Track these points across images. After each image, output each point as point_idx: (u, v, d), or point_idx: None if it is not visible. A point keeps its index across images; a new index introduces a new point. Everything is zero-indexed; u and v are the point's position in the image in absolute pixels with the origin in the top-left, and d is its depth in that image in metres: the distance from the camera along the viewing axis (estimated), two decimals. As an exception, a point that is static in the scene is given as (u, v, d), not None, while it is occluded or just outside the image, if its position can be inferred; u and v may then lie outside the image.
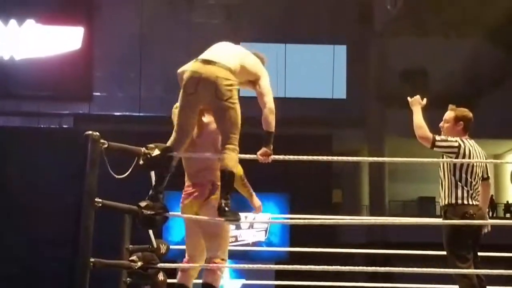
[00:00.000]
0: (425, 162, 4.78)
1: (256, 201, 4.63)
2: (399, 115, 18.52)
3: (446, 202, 4.93)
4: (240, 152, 4.24)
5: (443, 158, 4.98)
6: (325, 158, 4.62)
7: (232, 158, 4.13)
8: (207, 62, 4.17)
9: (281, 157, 4.35)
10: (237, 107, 4.20)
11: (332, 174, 18.89)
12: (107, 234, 6.04)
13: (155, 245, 4.66)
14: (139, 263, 4.30)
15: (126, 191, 5.96)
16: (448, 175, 4.93)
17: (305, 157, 4.37)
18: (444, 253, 4.96)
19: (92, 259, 3.72)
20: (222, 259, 4.32)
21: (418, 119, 4.98)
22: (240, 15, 18.51)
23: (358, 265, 4.58)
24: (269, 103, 4.36)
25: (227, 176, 4.13)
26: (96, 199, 3.76)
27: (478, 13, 16.77)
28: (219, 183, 4.30)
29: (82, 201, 3.72)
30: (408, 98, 5.06)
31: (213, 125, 4.33)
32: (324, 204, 17.53)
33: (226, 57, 4.22)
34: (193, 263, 4.42)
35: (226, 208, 4.12)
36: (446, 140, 4.94)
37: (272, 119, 4.32)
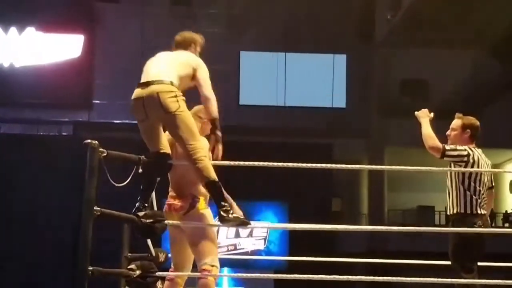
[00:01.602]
0: (423, 171, 4.79)
1: (237, 209, 4.47)
2: (399, 125, 18.62)
3: (455, 211, 4.91)
4: (236, 160, 4.28)
5: (451, 167, 4.98)
6: (318, 165, 4.61)
7: (207, 167, 4.13)
8: (144, 84, 4.22)
9: (279, 164, 4.35)
10: (188, 115, 4.21)
11: (332, 183, 18.88)
12: (106, 241, 6.04)
13: (153, 254, 4.66)
14: (138, 272, 4.30)
15: (128, 198, 5.96)
16: (456, 184, 4.92)
17: (303, 165, 4.37)
18: (444, 262, 4.94)
19: (90, 268, 3.71)
20: (212, 266, 4.33)
21: (427, 129, 5.00)
22: (241, 24, 18.53)
23: (357, 274, 4.57)
24: (205, 92, 4.35)
25: (212, 186, 4.13)
26: (95, 208, 3.76)
27: (479, 24, 16.78)
28: (200, 197, 4.35)
29: (81, 209, 3.72)
30: (416, 112, 5.09)
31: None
32: (324, 212, 17.53)
33: (161, 72, 4.26)
34: (178, 271, 4.46)
35: (225, 215, 4.13)
36: (456, 149, 4.95)
37: (209, 106, 4.33)
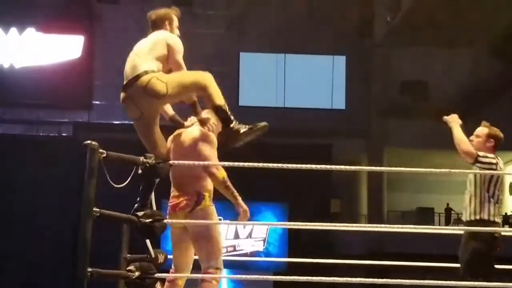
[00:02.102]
0: (421, 172, 4.81)
1: (242, 205, 4.39)
2: (399, 125, 18.63)
3: (478, 218, 4.94)
4: (241, 161, 4.31)
5: (477, 174, 5.04)
6: (318, 167, 4.61)
7: (217, 93, 4.23)
8: (125, 86, 4.25)
9: (279, 165, 4.35)
10: (177, 79, 4.22)
11: (331, 184, 18.88)
12: (106, 242, 6.04)
13: (153, 255, 4.65)
14: (137, 273, 4.29)
15: (129, 199, 5.98)
16: (481, 191, 4.97)
17: (303, 166, 4.37)
18: (444, 264, 4.94)
19: (89, 269, 3.71)
20: (217, 268, 4.29)
21: (459, 134, 5.07)
22: (240, 25, 18.54)
23: (356, 276, 4.57)
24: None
25: (220, 111, 4.24)
26: (94, 209, 3.76)
27: (479, 25, 16.78)
28: (205, 193, 4.33)
29: (80, 211, 3.72)
30: (445, 117, 5.13)
31: (194, 133, 4.36)
32: (323, 213, 17.53)
33: (135, 66, 4.24)
34: (179, 273, 4.42)
35: (236, 127, 4.25)
36: (487, 157, 5.08)
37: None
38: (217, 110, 4.24)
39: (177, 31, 4.50)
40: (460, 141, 5.04)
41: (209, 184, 4.36)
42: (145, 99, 4.16)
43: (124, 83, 4.27)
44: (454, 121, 5.17)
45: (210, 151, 4.33)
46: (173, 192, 4.42)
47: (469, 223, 4.98)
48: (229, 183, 4.34)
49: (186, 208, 4.33)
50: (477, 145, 5.14)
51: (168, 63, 4.31)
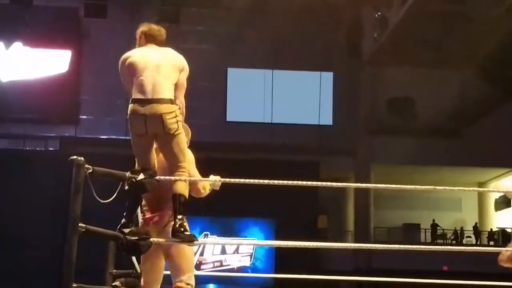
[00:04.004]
0: (408, 189, 4.80)
1: (210, 179, 4.54)
2: (385, 142, 18.69)
3: None
4: (225, 177, 4.34)
5: None
6: (304, 183, 4.61)
7: (182, 183, 4.24)
8: (146, 102, 4.26)
9: (265, 181, 4.36)
10: (182, 136, 4.30)
11: (318, 200, 18.90)
12: (91, 258, 6.01)
13: (138, 270, 4.63)
14: (122, 289, 4.28)
15: (114, 213, 5.96)
16: None
17: (289, 182, 4.37)
18: (430, 281, 4.95)
19: (74, 285, 3.69)
20: (188, 284, 4.30)
21: None
22: (229, 41, 18.58)
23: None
24: (182, 97, 4.41)
25: (178, 199, 4.21)
26: (80, 224, 3.74)
27: (466, 45, 16.90)
28: None
29: (66, 226, 3.70)
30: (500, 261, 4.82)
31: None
32: (310, 229, 17.52)
33: (158, 86, 4.28)
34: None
35: (182, 229, 4.17)
36: None
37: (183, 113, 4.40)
38: (178, 197, 4.25)
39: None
40: None
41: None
42: (157, 124, 4.23)
43: (142, 97, 4.27)
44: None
45: (194, 172, 4.41)
46: (146, 206, 4.44)
47: None
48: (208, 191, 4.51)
49: (160, 224, 4.36)
50: None
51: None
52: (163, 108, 4.22)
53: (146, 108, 4.25)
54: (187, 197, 4.24)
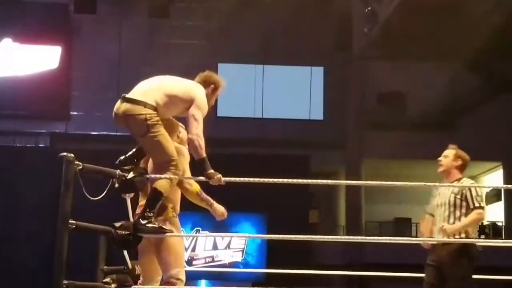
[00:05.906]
0: (398, 185, 4.82)
1: (217, 208, 4.55)
2: (376, 137, 18.71)
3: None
4: (219, 172, 4.30)
5: None
6: (295, 181, 4.63)
7: (165, 181, 4.18)
8: (122, 99, 4.23)
9: (256, 180, 4.37)
10: (161, 137, 4.17)
11: (309, 195, 18.90)
12: (83, 254, 6.00)
13: (130, 266, 4.63)
14: (113, 285, 4.28)
15: (109, 210, 5.97)
16: None
17: (280, 180, 4.39)
18: (420, 275, 4.96)
19: (65, 281, 3.69)
20: (178, 279, 4.30)
21: None
22: (219, 36, 18.55)
23: (335, 286, 4.58)
24: (193, 129, 4.33)
25: (154, 195, 4.18)
26: (70, 221, 3.74)
27: (456, 38, 16.92)
28: (167, 204, 4.35)
29: (56, 222, 3.70)
30: None
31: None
32: (301, 224, 17.52)
33: (145, 92, 4.23)
34: (147, 284, 4.42)
35: (144, 221, 4.15)
36: None
37: (195, 147, 4.29)
38: (153, 191, 4.20)
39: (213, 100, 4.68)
40: None
41: (174, 196, 4.40)
42: (121, 122, 4.24)
43: (124, 95, 4.25)
44: None
45: (183, 165, 4.38)
46: (141, 201, 4.46)
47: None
48: (203, 194, 4.44)
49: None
50: (446, 164, 5.32)
51: (185, 111, 4.33)
52: (129, 108, 4.16)
53: (118, 107, 4.24)
54: (164, 195, 4.19)
